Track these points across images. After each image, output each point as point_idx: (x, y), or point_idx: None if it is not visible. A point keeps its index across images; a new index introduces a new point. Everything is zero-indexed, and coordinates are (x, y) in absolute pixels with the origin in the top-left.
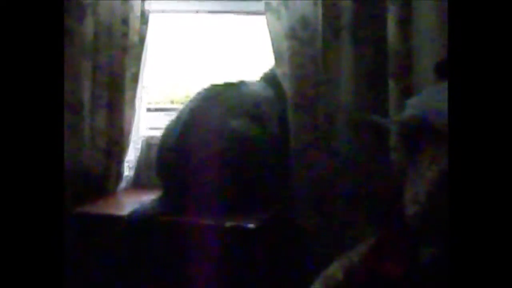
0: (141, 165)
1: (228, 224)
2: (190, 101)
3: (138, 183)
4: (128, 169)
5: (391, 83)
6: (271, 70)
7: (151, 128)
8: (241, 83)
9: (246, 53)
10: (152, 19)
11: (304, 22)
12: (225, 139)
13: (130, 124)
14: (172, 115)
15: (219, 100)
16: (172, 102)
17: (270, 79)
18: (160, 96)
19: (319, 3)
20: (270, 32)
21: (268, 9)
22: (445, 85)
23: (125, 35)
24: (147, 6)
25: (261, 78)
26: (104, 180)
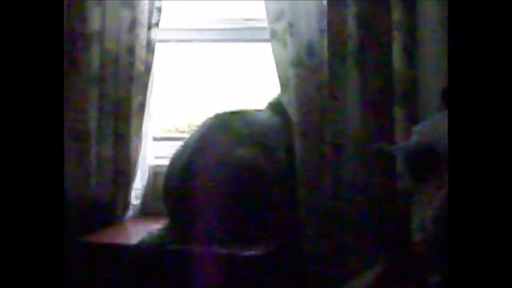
0: (148, 194)
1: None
2: (196, 129)
3: (145, 212)
4: (135, 198)
5: (397, 110)
6: (277, 98)
7: (158, 157)
8: (247, 112)
9: (251, 81)
10: (157, 48)
11: (310, 50)
12: (231, 168)
13: (137, 153)
14: (179, 144)
15: (225, 129)
16: (177, 131)
17: (276, 107)
18: (166, 125)
19: (325, 31)
20: (275, 60)
21: (274, 37)
22: None
23: (131, 64)
24: (153, 35)
25: (267, 106)
26: (111, 209)
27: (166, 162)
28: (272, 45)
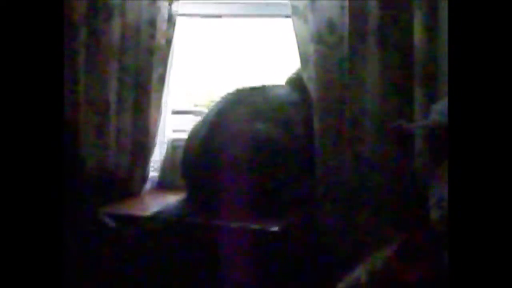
0: (166, 167)
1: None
2: (216, 104)
3: (163, 185)
4: (153, 171)
5: (417, 88)
6: (297, 73)
7: (176, 131)
8: (267, 87)
9: (271, 56)
10: (178, 22)
11: (331, 27)
12: (250, 142)
13: (156, 125)
14: (198, 118)
15: (244, 104)
16: (196, 105)
17: (295, 83)
18: (185, 99)
19: (346, 7)
20: (296, 35)
21: (295, 12)
22: None
23: (152, 37)
24: (174, 8)
25: (287, 82)
26: (129, 181)
27: (184, 135)
28: (293, 21)
